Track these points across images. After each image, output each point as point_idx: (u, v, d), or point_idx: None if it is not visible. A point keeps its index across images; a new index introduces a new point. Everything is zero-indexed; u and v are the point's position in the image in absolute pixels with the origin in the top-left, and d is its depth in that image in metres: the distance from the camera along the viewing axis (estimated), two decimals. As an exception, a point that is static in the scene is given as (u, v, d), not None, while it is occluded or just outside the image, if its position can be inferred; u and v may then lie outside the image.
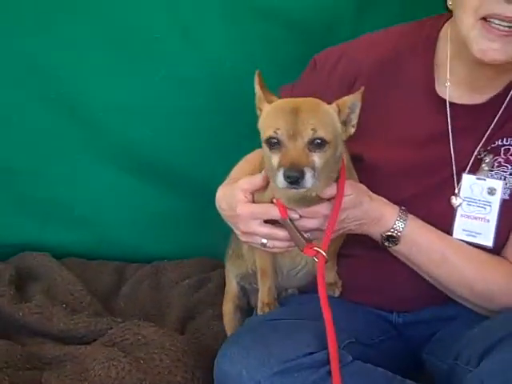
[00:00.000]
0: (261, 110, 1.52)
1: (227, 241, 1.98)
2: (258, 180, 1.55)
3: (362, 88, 1.48)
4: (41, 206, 2.49)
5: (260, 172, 1.58)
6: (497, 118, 1.60)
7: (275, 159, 1.41)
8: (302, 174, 1.36)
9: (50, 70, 2.33)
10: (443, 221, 1.62)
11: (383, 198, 1.60)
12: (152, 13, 2.28)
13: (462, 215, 1.61)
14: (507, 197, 1.60)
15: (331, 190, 1.49)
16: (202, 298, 2.28)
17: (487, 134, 1.61)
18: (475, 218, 1.60)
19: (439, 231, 1.61)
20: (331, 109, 1.48)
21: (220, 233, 2.26)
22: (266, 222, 1.55)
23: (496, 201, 1.59)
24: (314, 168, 1.38)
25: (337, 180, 1.51)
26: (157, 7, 2.28)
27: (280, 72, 2.07)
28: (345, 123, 1.49)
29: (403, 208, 1.60)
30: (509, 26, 1.44)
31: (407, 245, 1.60)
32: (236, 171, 1.77)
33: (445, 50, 1.64)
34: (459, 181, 1.62)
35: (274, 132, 1.40)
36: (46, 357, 1.91)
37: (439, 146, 1.63)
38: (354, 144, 1.57)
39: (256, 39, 2.30)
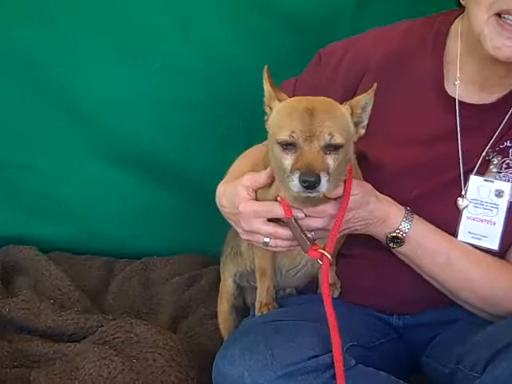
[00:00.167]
0: (270, 108, 1.47)
1: (219, 238, 1.94)
2: (262, 177, 1.51)
3: (375, 85, 1.44)
4: (28, 199, 2.44)
5: (263, 169, 1.53)
6: (506, 119, 1.58)
7: (288, 161, 1.37)
8: (318, 179, 1.32)
9: (44, 62, 2.28)
10: (448, 222, 1.59)
11: (389, 198, 1.57)
12: (149, 5, 2.24)
13: (467, 217, 1.59)
14: None
15: (338, 190, 1.46)
16: (194, 295, 2.25)
17: (496, 134, 1.58)
18: (481, 221, 1.58)
19: (445, 233, 1.59)
20: (344, 110, 1.44)
21: (212, 229, 2.24)
22: (269, 220, 1.51)
23: (503, 203, 1.56)
24: (328, 172, 1.35)
25: (344, 179, 1.47)
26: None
27: (278, 67, 2.01)
28: (356, 124, 1.46)
29: (409, 209, 1.58)
30: None
31: (412, 246, 1.57)
32: (236, 168, 1.72)
33: (455, 47, 1.61)
34: (466, 182, 1.60)
35: (290, 134, 1.36)
36: (34, 354, 1.87)
37: (446, 146, 1.60)
38: (358, 141, 1.53)
39: (254, 33, 2.26)
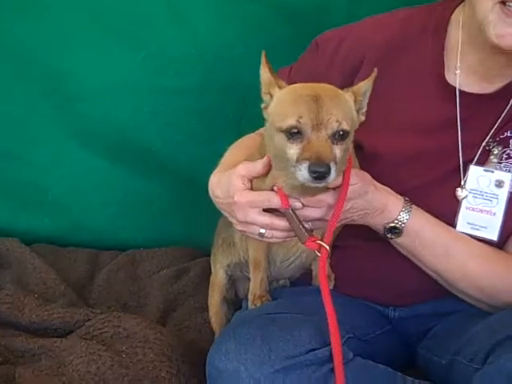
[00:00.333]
0: (270, 95, 1.43)
1: (208, 230, 1.91)
2: (258, 166, 1.47)
3: (375, 71, 1.42)
4: (11, 189, 2.38)
5: (259, 158, 1.49)
6: (507, 109, 1.56)
7: (294, 150, 1.33)
8: (328, 170, 1.28)
9: (29, 49, 2.22)
10: (447, 213, 1.57)
11: (388, 188, 1.54)
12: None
13: (467, 208, 1.56)
14: None
15: (337, 179, 1.42)
16: (182, 288, 2.21)
17: (496, 124, 1.56)
18: (481, 211, 1.56)
19: (444, 224, 1.56)
20: (348, 97, 1.41)
21: (200, 221, 2.20)
22: (265, 210, 1.47)
23: (503, 194, 1.54)
24: (336, 162, 1.31)
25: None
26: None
27: (272, 55, 1.98)
28: (357, 111, 1.43)
29: (407, 199, 1.55)
30: None
31: (410, 237, 1.54)
32: (229, 157, 1.67)
33: (456, 35, 1.58)
34: (465, 172, 1.57)
35: (297, 121, 1.32)
36: (19, 350, 1.81)
37: (446, 136, 1.57)
38: (356, 130, 1.50)
39: (247, 20, 2.22)
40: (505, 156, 1.56)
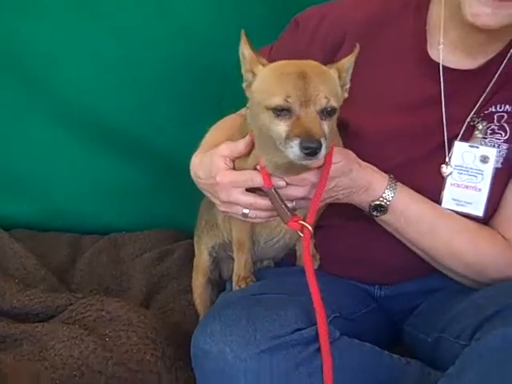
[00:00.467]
0: (253, 73, 1.40)
1: (190, 211, 1.89)
2: (240, 146, 1.45)
3: (357, 46, 1.40)
4: (-12, 173, 2.33)
5: (240, 138, 1.47)
6: (491, 84, 1.54)
7: (282, 127, 1.31)
8: (319, 145, 1.26)
9: (10, 35, 2.17)
10: (432, 190, 1.55)
11: (373, 166, 1.52)
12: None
13: (452, 184, 1.55)
14: (500, 165, 1.54)
15: (320, 159, 1.39)
16: (166, 271, 2.18)
17: (481, 100, 1.54)
18: (466, 187, 1.55)
19: (429, 201, 1.55)
20: (332, 73, 1.39)
21: (182, 203, 2.18)
22: (248, 191, 1.45)
23: (489, 169, 1.53)
24: (325, 138, 1.29)
25: None
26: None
27: (249, 34, 1.96)
28: (341, 87, 1.41)
29: (392, 176, 1.53)
30: None
31: (396, 214, 1.53)
32: (210, 138, 1.64)
33: (438, 11, 1.56)
34: (450, 149, 1.56)
35: (285, 99, 1.30)
36: (0, 335, 1.76)
37: (430, 112, 1.56)
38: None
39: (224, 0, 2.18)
40: (489, 131, 1.54)
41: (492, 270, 1.53)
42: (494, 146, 1.54)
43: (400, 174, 1.54)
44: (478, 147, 1.54)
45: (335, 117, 1.35)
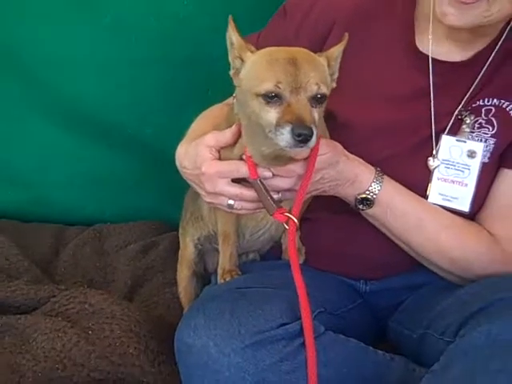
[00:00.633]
0: (242, 60, 1.38)
1: (175, 203, 1.87)
2: (226, 136, 1.43)
3: (346, 35, 1.39)
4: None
5: (227, 128, 1.45)
6: (479, 77, 1.53)
7: (273, 114, 1.28)
8: (311, 132, 1.24)
9: (3, 32, 2.15)
10: (419, 184, 1.54)
11: (359, 159, 1.51)
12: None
13: (438, 178, 1.54)
14: (487, 160, 1.53)
15: (305, 150, 1.38)
16: (150, 263, 2.16)
17: (469, 93, 1.53)
18: (452, 182, 1.53)
19: (416, 195, 1.54)
20: (322, 60, 1.37)
21: (167, 195, 2.15)
22: (234, 182, 1.43)
23: (476, 164, 1.52)
24: (316, 125, 1.27)
25: None
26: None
27: (237, 24, 1.95)
28: (330, 76, 1.39)
29: (379, 169, 1.52)
30: None
31: (382, 208, 1.52)
32: (196, 128, 1.62)
33: (428, 2, 1.53)
34: (438, 142, 1.54)
35: (276, 85, 1.27)
36: (-19, 328, 1.74)
37: (418, 105, 1.54)
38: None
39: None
40: (477, 125, 1.53)
41: (477, 267, 1.52)
42: (481, 140, 1.53)
43: (387, 166, 1.53)
44: (465, 141, 1.52)
45: (324, 105, 1.34)
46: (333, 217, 1.63)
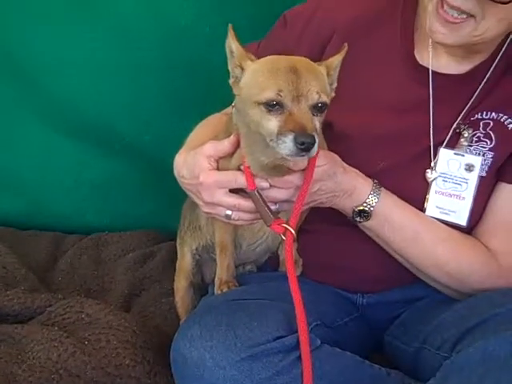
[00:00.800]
0: (242, 69, 1.38)
1: (173, 212, 1.86)
2: (225, 145, 1.43)
3: (346, 46, 1.39)
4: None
5: (225, 137, 1.45)
6: (478, 91, 1.53)
7: (274, 123, 1.28)
8: (313, 140, 1.24)
9: (3, 33, 2.15)
10: (416, 196, 1.54)
11: (357, 170, 1.51)
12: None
13: (436, 191, 1.54)
14: (484, 173, 1.53)
15: (303, 161, 1.38)
16: (148, 273, 2.15)
17: (467, 106, 1.53)
18: (450, 195, 1.53)
19: (413, 208, 1.54)
20: (322, 70, 1.38)
21: (165, 204, 2.15)
22: (232, 192, 1.43)
23: (473, 178, 1.52)
24: (317, 133, 1.28)
25: None
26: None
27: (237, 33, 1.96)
28: (330, 85, 1.40)
29: (376, 181, 1.52)
30: (458, 14, 1.37)
31: (379, 220, 1.52)
32: (195, 137, 1.62)
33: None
34: (436, 155, 1.54)
35: (277, 93, 1.28)
36: (-23, 336, 1.74)
37: (416, 116, 1.54)
38: None
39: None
40: (475, 139, 1.53)
41: (474, 281, 1.52)
42: (479, 154, 1.53)
43: (385, 177, 1.53)
44: (463, 155, 1.52)
45: (324, 114, 1.34)
46: (330, 229, 1.63)
